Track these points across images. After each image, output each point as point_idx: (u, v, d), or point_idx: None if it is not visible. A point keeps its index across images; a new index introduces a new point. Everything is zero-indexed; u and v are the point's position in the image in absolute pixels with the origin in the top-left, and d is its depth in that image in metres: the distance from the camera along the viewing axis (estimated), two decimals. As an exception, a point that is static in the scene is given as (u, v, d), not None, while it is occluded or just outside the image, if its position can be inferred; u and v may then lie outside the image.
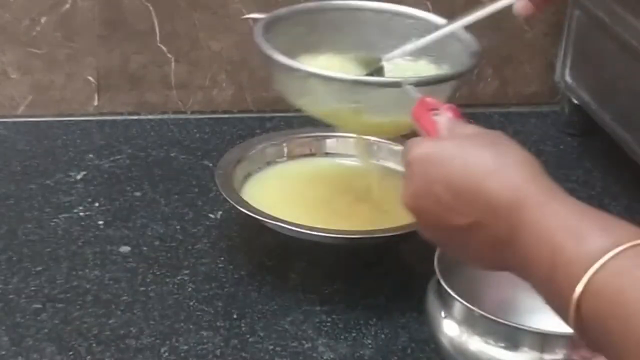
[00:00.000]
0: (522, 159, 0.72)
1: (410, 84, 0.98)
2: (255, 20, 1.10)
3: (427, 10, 1.42)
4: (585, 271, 0.62)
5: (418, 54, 1.09)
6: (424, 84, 1.00)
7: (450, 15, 1.40)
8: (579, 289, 0.62)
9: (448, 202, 0.72)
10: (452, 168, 0.72)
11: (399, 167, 1.19)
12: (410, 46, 1.07)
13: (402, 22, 1.12)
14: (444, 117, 0.81)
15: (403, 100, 0.95)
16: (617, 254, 0.62)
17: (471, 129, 0.78)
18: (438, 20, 1.12)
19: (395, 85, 0.99)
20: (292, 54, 1.05)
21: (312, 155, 1.23)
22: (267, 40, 1.05)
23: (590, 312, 0.62)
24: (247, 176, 1.18)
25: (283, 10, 1.13)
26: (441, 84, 1.04)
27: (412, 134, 0.84)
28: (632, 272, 0.61)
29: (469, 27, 1.07)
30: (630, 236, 0.63)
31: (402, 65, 1.09)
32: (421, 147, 0.76)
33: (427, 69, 1.10)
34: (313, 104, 1.06)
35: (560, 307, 0.64)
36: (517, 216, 0.68)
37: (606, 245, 0.62)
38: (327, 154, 1.23)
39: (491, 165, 0.71)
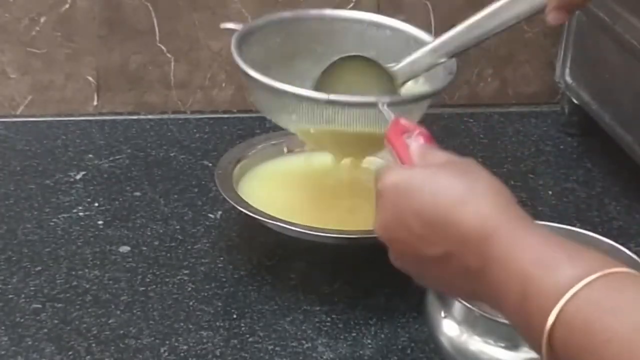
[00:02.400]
0: (492, 189, 0.72)
1: (386, 103, 0.97)
2: (233, 31, 1.10)
3: (427, 10, 1.43)
4: (556, 302, 0.62)
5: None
6: (399, 103, 1.00)
7: (450, 15, 1.41)
8: (550, 319, 0.62)
9: (419, 232, 0.72)
10: (421, 198, 0.72)
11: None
12: (419, 61, 1.05)
13: (379, 33, 1.12)
14: (416, 143, 0.80)
15: (379, 119, 0.94)
16: (587, 283, 0.62)
17: (442, 156, 0.77)
18: (414, 31, 1.12)
19: (371, 105, 0.98)
20: (269, 65, 1.05)
21: (311, 152, 1.23)
22: (243, 51, 1.05)
23: (562, 343, 0.62)
24: (245, 173, 1.18)
25: (259, 21, 1.13)
26: (417, 102, 1.04)
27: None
28: (600, 303, 0.61)
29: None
30: (599, 265, 0.63)
31: None
32: (391, 176, 0.75)
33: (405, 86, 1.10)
34: (288, 121, 1.06)
35: (532, 337, 0.64)
36: (487, 247, 0.68)
37: (576, 275, 0.62)
38: (326, 153, 1.23)
39: (461, 195, 0.71)
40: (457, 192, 0.71)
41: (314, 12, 1.15)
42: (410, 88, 1.09)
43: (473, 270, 0.69)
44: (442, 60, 1.04)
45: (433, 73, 1.07)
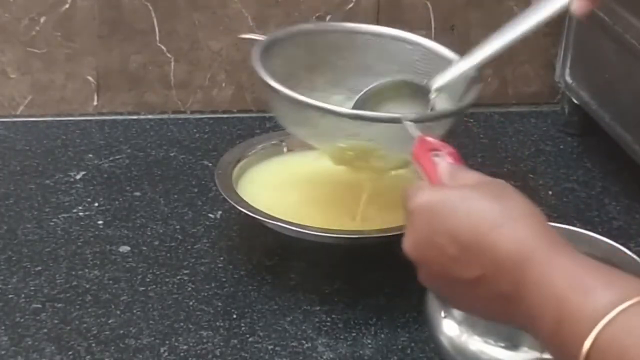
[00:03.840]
0: (527, 212, 0.71)
1: (410, 120, 0.97)
2: (252, 41, 1.10)
3: (427, 10, 1.43)
4: (592, 327, 0.61)
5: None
6: (424, 120, 1.00)
7: (450, 15, 1.41)
8: (586, 345, 0.61)
9: (452, 254, 0.71)
10: (456, 219, 0.71)
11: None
12: (456, 70, 1.06)
13: (400, 47, 1.13)
14: (445, 162, 0.79)
15: (402, 136, 0.94)
16: (624, 309, 0.61)
17: (473, 177, 0.76)
18: (435, 46, 1.12)
19: (395, 121, 0.98)
20: (290, 77, 1.05)
21: (311, 152, 1.23)
22: (265, 62, 1.05)
23: None
24: (245, 173, 1.18)
25: (279, 33, 1.13)
26: (441, 119, 1.04)
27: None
28: (637, 330, 0.60)
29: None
30: (636, 290, 0.62)
31: None
32: (424, 196, 0.74)
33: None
34: (309, 134, 1.07)
35: None
36: (522, 271, 0.67)
37: (613, 301, 0.62)
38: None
39: (496, 219, 0.70)
40: (493, 215, 0.70)
41: (335, 25, 1.16)
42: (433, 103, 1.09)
43: (507, 294, 0.68)
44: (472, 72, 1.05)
45: (455, 89, 1.07)
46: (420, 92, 1.06)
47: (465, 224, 0.71)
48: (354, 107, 1.05)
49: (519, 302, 0.67)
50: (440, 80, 1.06)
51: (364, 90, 1.07)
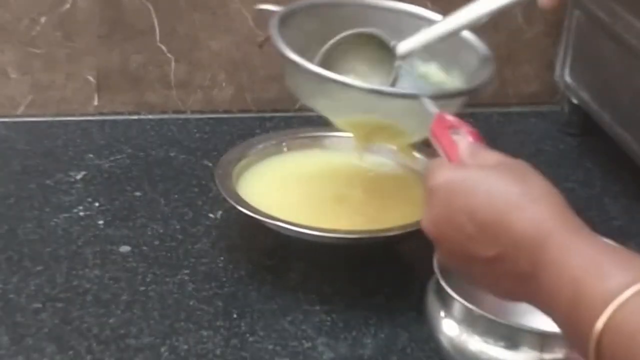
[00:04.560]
0: (547, 193, 0.72)
1: (428, 97, 0.97)
2: (268, 12, 1.09)
3: (427, 8, 1.42)
4: (605, 308, 0.62)
5: (431, 52, 1.09)
6: (442, 97, 1.00)
7: (449, 9, 1.40)
8: (599, 324, 0.62)
9: (471, 233, 0.72)
10: (476, 199, 0.72)
11: (399, 166, 1.19)
12: (423, 36, 1.06)
13: (414, 23, 1.12)
14: (465, 141, 0.80)
15: (419, 112, 0.94)
16: (638, 291, 0.62)
17: (494, 156, 0.77)
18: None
19: (413, 97, 0.98)
20: (306, 49, 1.05)
21: (311, 152, 1.23)
22: (281, 34, 1.04)
23: (610, 348, 0.62)
24: (245, 173, 1.18)
25: (298, 4, 1.12)
26: (459, 97, 1.04)
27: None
28: None
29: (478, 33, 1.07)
30: None
31: (415, 69, 1.09)
32: (445, 174, 0.75)
33: (438, 76, 1.10)
34: (325, 107, 1.06)
35: (580, 342, 0.64)
36: (540, 251, 0.68)
37: (627, 282, 0.63)
38: (326, 153, 1.23)
39: (517, 199, 0.71)
40: (513, 196, 0.71)
41: None
42: (444, 81, 1.09)
43: (524, 273, 0.69)
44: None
45: (466, 65, 1.07)
46: (386, 51, 1.06)
47: (485, 203, 0.72)
48: (319, 61, 1.05)
49: (535, 282, 0.68)
50: (406, 46, 1.06)
51: (329, 42, 1.07)
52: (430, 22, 1.12)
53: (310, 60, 1.03)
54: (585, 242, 0.68)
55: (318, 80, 1.02)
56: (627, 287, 0.62)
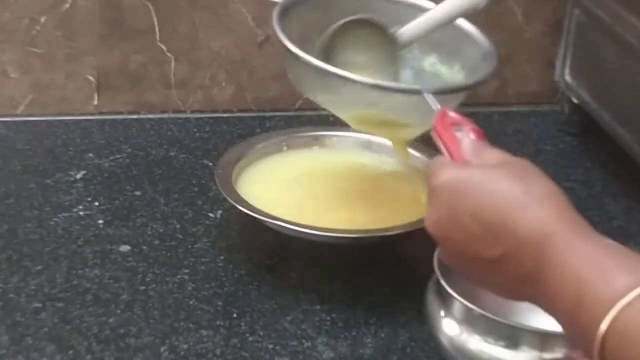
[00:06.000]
0: (551, 193, 0.72)
1: (431, 92, 0.96)
2: (271, 3, 1.09)
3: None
4: (610, 310, 0.62)
5: (432, 45, 1.08)
6: (444, 92, 1.00)
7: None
8: (603, 327, 0.62)
9: (475, 233, 0.72)
10: (480, 199, 0.72)
11: (399, 166, 1.19)
12: (424, 22, 1.06)
13: (416, 15, 1.11)
14: (468, 139, 0.79)
15: (422, 107, 0.94)
16: None
17: (498, 155, 0.77)
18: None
19: (415, 92, 0.98)
20: (307, 40, 1.05)
21: (311, 152, 1.23)
22: (282, 26, 1.03)
23: (615, 351, 0.62)
24: (245, 172, 1.18)
25: None
26: (461, 92, 1.04)
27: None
28: None
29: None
30: None
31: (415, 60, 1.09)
32: (448, 174, 0.75)
33: (438, 69, 1.10)
34: (326, 101, 1.06)
35: (585, 344, 0.64)
36: (544, 252, 0.68)
37: (631, 284, 0.62)
38: (326, 152, 1.23)
39: (520, 199, 0.71)
40: (517, 196, 0.71)
41: None
42: (446, 75, 1.09)
43: (528, 274, 0.69)
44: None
45: (469, 59, 1.07)
46: (386, 39, 1.06)
47: (489, 203, 0.71)
48: (318, 51, 1.05)
49: (539, 283, 0.68)
50: (408, 33, 1.05)
51: (327, 31, 1.06)
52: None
53: (311, 51, 1.03)
54: (589, 243, 0.68)
55: (319, 74, 1.01)
56: (632, 289, 0.62)
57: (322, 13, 1.11)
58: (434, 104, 0.93)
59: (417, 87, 1.00)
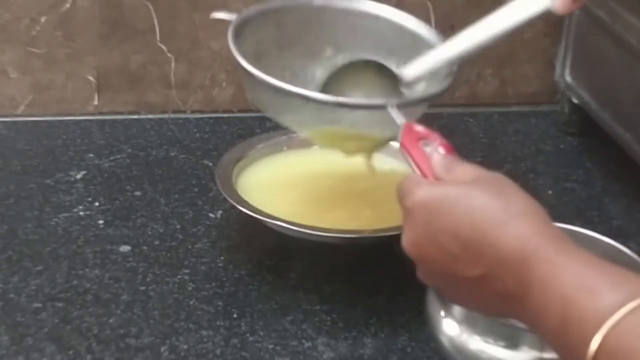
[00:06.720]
0: (529, 208, 0.70)
1: (395, 105, 0.92)
2: (227, 21, 1.07)
3: (427, 10, 1.43)
4: (599, 328, 0.61)
5: (388, 49, 1.06)
6: (408, 105, 0.97)
7: (450, 15, 1.41)
8: (593, 346, 0.61)
9: (454, 253, 0.71)
10: (457, 217, 0.70)
11: (400, 166, 1.19)
12: (431, 60, 1.01)
13: (369, 24, 1.09)
14: (438, 155, 0.78)
15: (386, 120, 0.92)
16: (631, 310, 0.61)
17: (470, 170, 0.75)
18: (407, 22, 1.08)
19: (379, 107, 0.95)
20: (264, 56, 1.03)
21: (311, 152, 1.23)
22: (238, 44, 1.02)
23: None
24: (245, 172, 1.17)
25: (251, 11, 1.09)
26: (424, 103, 1.02)
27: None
28: None
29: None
30: None
31: None
32: (421, 192, 0.73)
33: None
34: (288, 120, 1.04)
35: None
36: (526, 269, 0.67)
37: (619, 301, 0.61)
38: (326, 152, 1.23)
39: (498, 216, 0.69)
40: (495, 212, 0.70)
41: (303, 1, 1.10)
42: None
43: (511, 292, 0.68)
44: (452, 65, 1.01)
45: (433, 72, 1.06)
46: (388, 74, 1.03)
47: (467, 221, 0.70)
48: (324, 88, 1.03)
49: (524, 301, 0.67)
50: (413, 71, 1.01)
51: (329, 73, 1.04)
52: (388, 23, 1.09)
53: (267, 68, 1.00)
54: (572, 258, 0.66)
55: (280, 94, 0.98)
56: (620, 306, 0.61)
57: (275, 27, 1.08)
58: (398, 117, 0.90)
59: (380, 101, 0.96)
